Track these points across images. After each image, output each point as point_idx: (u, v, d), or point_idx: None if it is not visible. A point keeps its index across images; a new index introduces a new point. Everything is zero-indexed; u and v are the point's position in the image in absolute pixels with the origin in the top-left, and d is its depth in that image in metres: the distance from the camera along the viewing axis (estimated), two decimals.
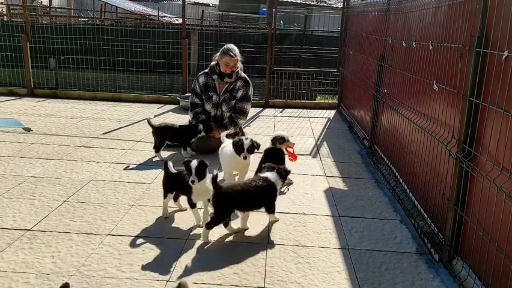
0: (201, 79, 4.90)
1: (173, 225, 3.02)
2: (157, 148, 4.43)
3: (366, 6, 5.69)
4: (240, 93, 4.86)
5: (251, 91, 4.95)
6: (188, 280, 2.38)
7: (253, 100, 7.67)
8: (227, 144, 3.83)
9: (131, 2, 18.43)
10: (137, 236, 2.83)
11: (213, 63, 4.85)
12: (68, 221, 3.01)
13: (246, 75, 4.95)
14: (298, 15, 16.31)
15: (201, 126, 4.59)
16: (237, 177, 3.83)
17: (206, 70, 4.93)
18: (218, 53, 4.81)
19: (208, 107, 4.89)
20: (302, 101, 7.74)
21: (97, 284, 2.32)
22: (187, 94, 7.18)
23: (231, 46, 4.78)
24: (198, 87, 4.91)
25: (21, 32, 7.94)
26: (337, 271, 2.54)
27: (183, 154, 4.50)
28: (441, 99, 2.90)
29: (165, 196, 3.11)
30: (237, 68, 4.81)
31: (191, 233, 2.91)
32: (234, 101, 4.86)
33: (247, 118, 5.20)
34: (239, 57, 4.77)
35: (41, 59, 8.33)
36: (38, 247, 2.65)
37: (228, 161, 3.75)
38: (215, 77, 4.81)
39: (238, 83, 4.85)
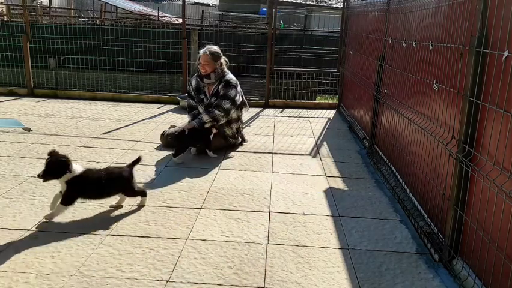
0: (193, 82, 4.88)
1: (173, 225, 3.02)
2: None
3: (366, 6, 5.69)
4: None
5: (233, 92, 4.67)
6: (188, 280, 2.39)
7: (253, 100, 7.63)
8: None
9: (131, 2, 18.43)
10: (137, 236, 2.83)
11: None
12: (68, 221, 3.01)
13: (230, 78, 4.73)
14: (298, 15, 16.30)
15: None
16: None
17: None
18: None
19: (201, 109, 4.83)
20: (302, 101, 7.73)
21: (97, 284, 2.32)
22: (187, 94, 7.18)
23: (208, 45, 4.74)
24: (191, 89, 4.91)
25: (21, 32, 7.93)
26: (337, 271, 2.54)
27: (210, 155, 4.56)
28: (441, 99, 2.90)
29: None
30: (216, 69, 4.65)
31: (191, 233, 2.91)
32: None
33: (233, 117, 4.81)
34: (209, 53, 4.61)
35: (41, 59, 8.32)
36: (38, 247, 2.65)
37: None
38: (198, 79, 4.81)
39: (220, 86, 4.71)
